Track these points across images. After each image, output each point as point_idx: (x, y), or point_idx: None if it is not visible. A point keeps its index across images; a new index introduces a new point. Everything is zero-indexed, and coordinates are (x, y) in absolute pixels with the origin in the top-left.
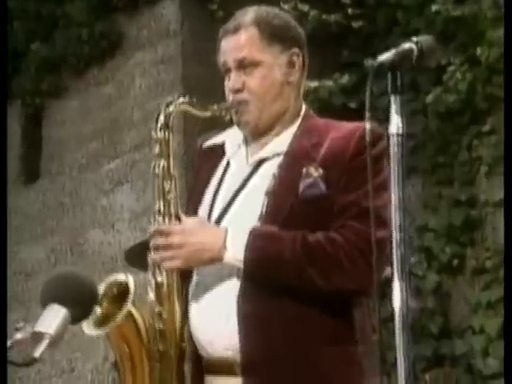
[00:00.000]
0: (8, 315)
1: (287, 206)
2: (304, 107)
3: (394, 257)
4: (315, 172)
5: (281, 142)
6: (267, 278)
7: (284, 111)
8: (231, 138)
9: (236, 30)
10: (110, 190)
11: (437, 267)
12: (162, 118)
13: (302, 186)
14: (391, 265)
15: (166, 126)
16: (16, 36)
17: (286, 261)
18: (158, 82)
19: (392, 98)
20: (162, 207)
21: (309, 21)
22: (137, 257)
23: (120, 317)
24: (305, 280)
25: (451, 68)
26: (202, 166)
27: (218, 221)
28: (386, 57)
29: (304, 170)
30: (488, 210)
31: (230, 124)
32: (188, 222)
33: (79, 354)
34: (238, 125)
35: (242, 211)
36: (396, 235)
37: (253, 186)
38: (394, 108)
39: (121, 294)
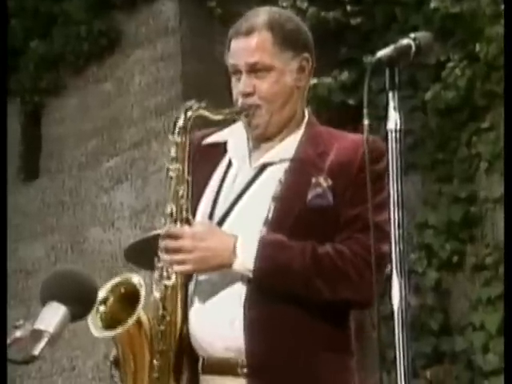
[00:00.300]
0: (8, 313)
1: (294, 213)
2: (307, 113)
3: (393, 254)
4: (324, 182)
5: (286, 147)
6: (275, 286)
7: (292, 116)
8: (234, 138)
9: (249, 32)
10: (109, 188)
11: (437, 264)
12: (181, 122)
13: (310, 195)
14: (390, 262)
15: (184, 130)
16: (15, 34)
17: (294, 271)
18: (158, 79)
19: (390, 94)
20: (174, 211)
21: (307, 18)
22: (137, 254)
23: (130, 322)
24: (312, 290)
25: (450, 64)
26: (201, 162)
27: (221, 222)
28: (383, 53)
29: (313, 180)
30: (488, 206)
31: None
32: (199, 226)
33: (80, 352)
34: (248, 128)
35: (245, 215)
36: (395, 232)
37: (256, 189)
38: (391, 104)
39: (128, 293)
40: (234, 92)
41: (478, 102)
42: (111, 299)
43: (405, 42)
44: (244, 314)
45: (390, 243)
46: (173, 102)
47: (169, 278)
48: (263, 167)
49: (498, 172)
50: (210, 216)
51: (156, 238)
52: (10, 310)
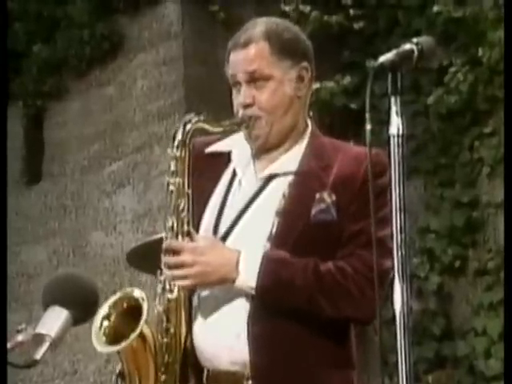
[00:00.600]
0: (9, 317)
1: (298, 229)
2: (310, 123)
3: (396, 258)
4: (328, 198)
5: (290, 158)
6: (277, 302)
7: (293, 126)
8: (239, 148)
9: (246, 43)
10: (111, 192)
11: (439, 268)
12: (179, 135)
13: (314, 210)
14: (392, 266)
15: (184, 143)
16: (17, 37)
17: (296, 288)
18: (160, 83)
19: (392, 99)
20: (175, 225)
21: (310, 22)
22: (139, 258)
23: (133, 336)
24: (314, 307)
25: (452, 69)
26: (204, 171)
27: (225, 236)
28: (386, 58)
29: (317, 195)
30: (490, 211)
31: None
32: (200, 240)
33: (81, 356)
34: (249, 139)
35: (249, 229)
36: (397, 236)
37: (261, 203)
38: (394, 109)
39: (131, 308)
40: (235, 104)
41: (481, 106)
42: (114, 314)
43: (407, 46)
44: (248, 328)
45: (392, 254)
46: (175, 106)
47: (171, 291)
48: (269, 179)
49: (500, 177)
50: (215, 229)
51: (158, 242)
52: (12, 314)
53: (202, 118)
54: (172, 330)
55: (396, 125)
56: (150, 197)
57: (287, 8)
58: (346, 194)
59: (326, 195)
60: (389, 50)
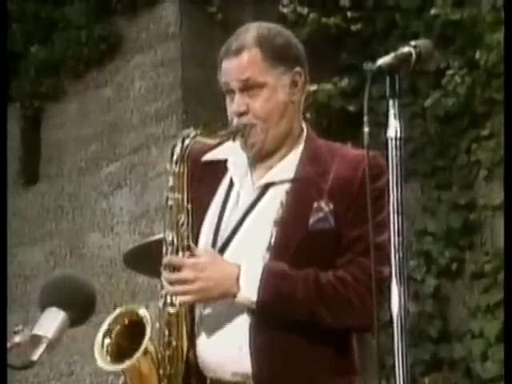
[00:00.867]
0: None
1: (297, 238)
2: (305, 127)
3: (393, 261)
4: (326, 207)
5: (286, 166)
6: (278, 315)
7: (288, 131)
8: (234, 156)
9: (238, 51)
10: (109, 193)
11: (436, 271)
12: (178, 151)
13: (312, 220)
14: (390, 269)
15: (182, 159)
16: (15, 38)
17: (297, 300)
18: (158, 84)
19: (390, 102)
20: (175, 239)
21: (308, 23)
22: (136, 260)
23: (138, 355)
24: (315, 318)
25: (450, 72)
26: (202, 180)
27: (224, 247)
28: (384, 61)
29: (315, 205)
30: (487, 213)
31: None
32: (201, 255)
33: (78, 357)
34: (244, 147)
35: (248, 239)
36: (395, 239)
37: (259, 212)
38: (392, 112)
39: (132, 324)
40: (229, 112)
41: (478, 109)
42: (115, 331)
43: (405, 49)
44: (250, 340)
45: (390, 257)
46: (173, 107)
47: (172, 305)
48: (266, 187)
49: (498, 179)
50: (214, 240)
51: (155, 243)
52: (9, 315)
53: (199, 131)
54: (174, 343)
55: (394, 128)
56: (147, 198)
57: (285, 10)
58: (343, 200)
59: (323, 204)
60: (386, 52)
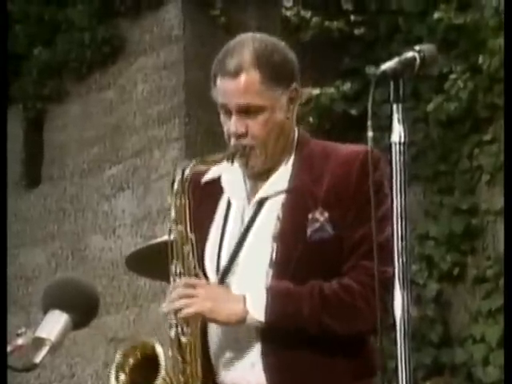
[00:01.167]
0: (8, 319)
1: (297, 251)
2: (296, 132)
3: (396, 265)
4: (321, 216)
5: (280, 177)
6: (288, 333)
7: (285, 146)
8: (227, 173)
9: (236, 73)
10: (111, 196)
11: (437, 275)
12: (179, 183)
13: (309, 231)
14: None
15: (182, 191)
16: (18, 40)
17: (304, 316)
18: (160, 87)
19: (394, 107)
20: (182, 270)
21: (311, 27)
22: (138, 262)
23: None
24: (325, 330)
25: (453, 76)
26: (201, 200)
27: (228, 268)
28: (388, 65)
29: (310, 216)
30: (489, 218)
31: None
32: (211, 284)
33: (79, 360)
34: (244, 168)
35: (251, 257)
36: (398, 244)
37: (258, 228)
38: (396, 117)
39: (145, 357)
40: (225, 129)
41: (480, 114)
42: (129, 365)
43: (409, 54)
44: (262, 359)
45: (393, 257)
46: (175, 110)
47: (184, 333)
48: (261, 202)
49: (500, 184)
50: (218, 262)
51: (157, 246)
52: (10, 317)
53: (197, 161)
54: (188, 369)
55: (398, 132)
56: (149, 201)
57: (288, 13)
58: (340, 204)
59: (318, 214)
60: (389, 56)
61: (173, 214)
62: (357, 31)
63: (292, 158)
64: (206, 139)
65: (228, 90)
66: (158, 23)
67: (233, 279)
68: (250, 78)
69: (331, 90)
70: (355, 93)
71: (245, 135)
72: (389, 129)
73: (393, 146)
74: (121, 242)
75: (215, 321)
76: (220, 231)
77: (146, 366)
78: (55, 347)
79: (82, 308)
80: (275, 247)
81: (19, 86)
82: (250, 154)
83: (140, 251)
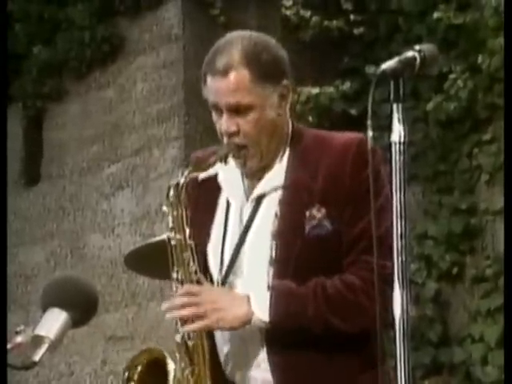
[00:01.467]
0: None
1: (296, 249)
2: (290, 126)
3: (395, 264)
4: (318, 213)
5: (276, 172)
6: (293, 333)
7: (279, 142)
8: (225, 171)
9: (225, 71)
10: (110, 194)
11: (436, 275)
12: (173, 192)
13: (307, 228)
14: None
15: (178, 201)
16: (18, 39)
17: (308, 316)
18: (160, 86)
19: (394, 107)
20: (183, 276)
21: (310, 26)
22: (137, 261)
23: None
24: (330, 329)
25: (452, 76)
26: (199, 200)
27: (230, 267)
28: (388, 65)
29: (307, 213)
30: (488, 218)
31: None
32: (213, 288)
33: (78, 358)
34: (241, 168)
35: (252, 256)
36: (397, 243)
37: (258, 226)
38: (396, 116)
39: (153, 363)
40: (218, 127)
41: (480, 113)
42: (137, 374)
43: (410, 53)
44: (268, 359)
45: (392, 254)
46: (175, 109)
47: (190, 338)
48: (259, 199)
49: (499, 184)
50: (221, 263)
51: (156, 244)
52: (9, 315)
53: (190, 168)
54: (197, 371)
55: (398, 132)
56: (148, 199)
57: (288, 12)
58: (337, 199)
59: (315, 211)
60: (389, 56)
61: (170, 223)
62: (356, 31)
63: (287, 153)
64: (206, 138)
65: (218, 88)
66: (157, 22)
67: (235, 279)
68: (239, 76)
69: (331, 89)
70: (355, 92)
71: (236, 133)
72: (388, 128)
73: (392, 145)
74: (120, 241)
75: (222, 329)
76: (222, 230)
77: (154, 372)
78: (54, 345)
79: (81, 306)
80: (274, 245)
81: (19, 85)
82: (243, 154)
83: (139, 250)
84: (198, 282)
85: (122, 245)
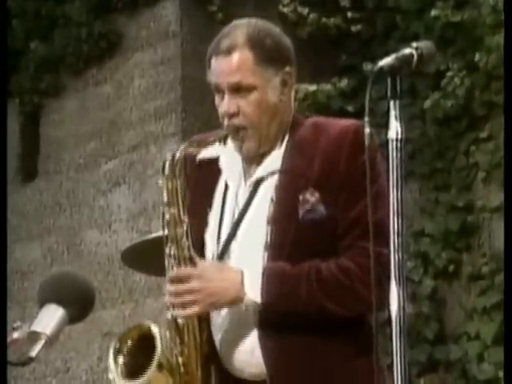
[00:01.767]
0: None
1: (291, 234)
2: (292, 111)
3: (392, 261)
4: (311, 197)
5: (274, 158)
6: (286, 315)
7: (279, 130)
8: (226, 154)
9: (229, 51)
10: (107, 191)
11: (433, 272)
12: (168, 167)
13: (301, 212)
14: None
15: (173, 175)
16: (15, 35)
17: (303, 299)
18: (157, 82)
19: (391, 104)
20: (176, 252)
21: (308, 24)
22: (133, 257)
23: (151, 370)
24: (323, 313)
25: (449, 73)
26: (198, 181)
27: (225, 249)
28: (385, 62)
29: (301, 197)
30: (485, 215)
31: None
32: (205, 266)
33: (74, 354)
34: (239, 151)
35: (247, 239)
36: (394, 240)
37: (254, 211)
38: (393, 113)
39: (143, 338)
40: (219, 111)
41: (477, 111)
42: (127, 347)
43: (407, 51)
44: (261, 344)
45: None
46: (172, 105)
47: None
48: (257, 184)
49: (496, 182)
50: (217, 245)
51: (153, 241)
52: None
53: (187, 144)
54: (187, 351)
55: (395, 129)
56: (145, 196)
57: (285, 9)
58: (332, 185)
59: (308, 195)
60: (386, 53)
61: (165, 197)
62: (354, 28)
63: (286, 140)
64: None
65: (221, 68)
66: (155, 19)
67: (230, 263)
68: (242, 56)
69: (328, 86)
70: (352, 89)
71: (237, 114)
72: (386, 125)
73: (389, 142)
74: (116, 237)
75: (216, 310)
76: (219, 214)
77: (144, 347)
78: (51, 341)
79: (78, 302)
80: (269, 230)
81: (16, 81)
82: (242, 135)
83: (136, 246)
84: (191, 259)
85: (119, 241)
